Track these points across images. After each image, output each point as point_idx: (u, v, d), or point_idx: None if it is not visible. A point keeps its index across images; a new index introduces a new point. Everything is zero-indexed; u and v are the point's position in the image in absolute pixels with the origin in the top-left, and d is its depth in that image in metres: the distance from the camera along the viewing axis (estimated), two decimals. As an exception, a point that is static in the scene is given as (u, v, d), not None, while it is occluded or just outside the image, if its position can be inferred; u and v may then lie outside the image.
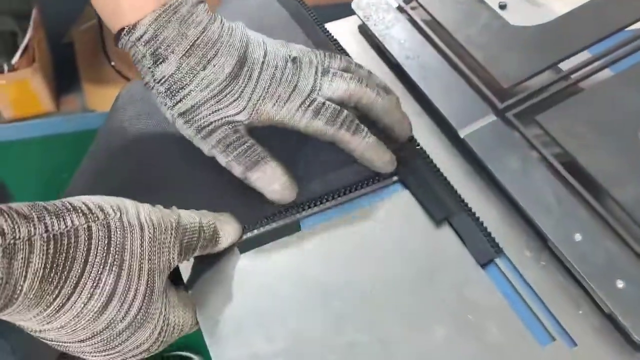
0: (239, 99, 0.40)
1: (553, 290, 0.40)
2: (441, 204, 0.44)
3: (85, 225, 0.32)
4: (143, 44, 0.39)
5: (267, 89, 0.41)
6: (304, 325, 0.39)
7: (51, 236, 0.31)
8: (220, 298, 0.40)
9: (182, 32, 0.39)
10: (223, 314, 0.39)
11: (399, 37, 0.53)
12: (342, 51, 0.53)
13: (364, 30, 0.57)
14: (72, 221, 0.32)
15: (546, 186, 0.42)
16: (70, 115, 1.41)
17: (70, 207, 0.33)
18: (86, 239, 0.32)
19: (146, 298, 0.34)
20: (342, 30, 0.58)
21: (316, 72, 0.42)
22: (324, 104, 0.41)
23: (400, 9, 0.57)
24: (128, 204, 0.36)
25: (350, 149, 0.43)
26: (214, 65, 0.40)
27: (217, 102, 0.40)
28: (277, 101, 0.41)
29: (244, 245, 0.42)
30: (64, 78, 1.45)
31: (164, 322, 0.36)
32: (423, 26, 0.54)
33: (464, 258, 0.41)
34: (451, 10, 0.54)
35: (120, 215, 0.34)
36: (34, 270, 0.30)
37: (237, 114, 0.40)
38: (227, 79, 0.40)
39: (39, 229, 0.30)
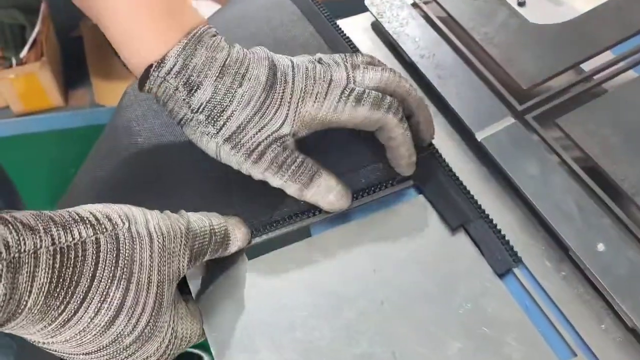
0: (281, 106, 0.39)
1: (574, 303, 0.38)
2: (457, 210, 0.42)
3: (93, 238, 0.31)
4: (174, 76, 0.38)
5: (305, 89, 0.39)
6: (314, 335, 0.37)
7: (58, 249, 0.29)
8: (227, 306, 0.39)
9: (210, 56, 0.39)
10: (230, 323, 0.38)
11: (414, 34, 0.52)
12: (354, 49, 0.52)
13: (377, 28, 0.55)
14: (79, 233, 0.31)
15: (567, 193, 0.41)
16: (78, 110, 1.40)
17: (77, 217, 0.31)
18: (94, 252, 0.31)
19: (154, 311, 0.33)
20: (355, 27, 0.56)
21: (346, 68, 0.41)
22: (364, 91, 0.40)
23: (414, 5, 0.55)
24: (136, 213, 0.34)
25: (391, 136, 0.41)
26: (250, 79, 0.39)
27: (262, 117, 0.39)
28: (316, 98, 0.39)
29: (252, 251, 0.41)
30: (73, 72, 1.44)
31: (172, 334, 0.35)
32: (438, 23, 0.53)
33: (480, 267, 0.40)
34: (468, 7, 0.52)
35: (129, 225, 0.33)
36: (39, 285, 0.28)
37: (282, 125, 0.39)
38: (265, 90, 0.39)
39: (45, 241, 0.29)
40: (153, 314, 0.33)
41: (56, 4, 1.39)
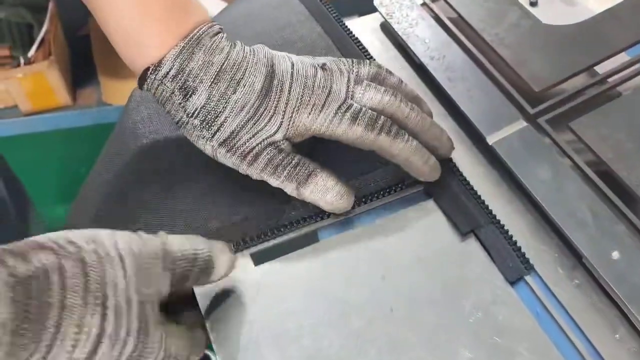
0: (275, 114, 0.39)
1: (587, 312, 0.37)
2: (467, 215, 0.41)
3: (56, 263, 0.29)
4: (170, 79, 0.38)
5: (301, 99, 0.39)
6: (322, 344, 0.36)
7: (18, 281, 0.27)
8: (233, 313, 0.38)
9: (207, 60, 0.38)
10: (236, 330, 0.37)
11: (423, 36, 0.51)
12: (363, 50, 0.51)
13: (387, 29, 0.55)
14: (39, 260, 0.28)
15: (581, 198, 0.40)
16: (86, 109, 1.40)
17: (35, 245, 0.29)
18: (59, 278, 0.28)
19: (141, 333, 0.31)
20: (364, 28, 0.55)
21: (348, 80, 0.40)
22: (360, 109, 0.39)
23: (424, 4, 0.54)
24: (103, 234, 0.32)
25: (393, 154, 0.40)
26: (244, 86, 0.38)
27: (255, 123, 0.38)
28: (312, 109, 0.39)
29: (258, 257, 0.40)
30: (81, 71, 1.44)
31: (165, 355, 0.33)
32: (449, 24, 0.52)
33: (491, 274, 0.39)
34: (478, 8, 0.51)
35: (95, 247, 0.31)
36: (1, 322, 0.26)
37: (276, 132, 0.39)
38: (260, 97, 0.39)
39: (1, 273, 0.26)
40: (140, 337, 0.31)
41: (64, 2, 1.39)
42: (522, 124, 0.44)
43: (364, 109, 0.39)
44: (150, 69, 0.38)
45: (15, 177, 0.91)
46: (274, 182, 0.40)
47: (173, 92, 0.38)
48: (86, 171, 0.51)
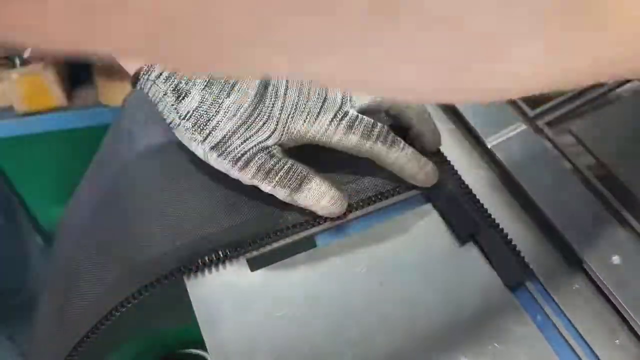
0: (269, 120, 0.38)
1: (588, 317, 0.37)
2: (466, 219, 0.41)
3: None
4: (163, 81, 0.38)
5: (296, 105, 0.39)
6: (319, 351, 0.36)
7: None
8: (229, 319, 0.38)
9: None
10: (232, 336, 0.37)
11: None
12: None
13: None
14: None
15: (581, 202, 0.39)
16: (82, 110, 1.40)
17: None
18: None
19: None
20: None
21: None
22: (357, 117, 0.39)
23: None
24: None
25: (388, 163, 0.40)
26: (238, 91, 0.38)
27: (247, 129, 0.38)
28: (307, 116, 0.39)
29: (255, 263, 0.40)
30: (77, 72, 1.43)
31: None
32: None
33: (490, 280, 0.38)
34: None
35: None
36: None
37: (269, 137, 0.38)
38: (253, 103, 0.38)
39: None
40: None
41: (60, 3, 1.38)
42: (521, 126, 0.44)
43: (360, 116, 0.39)
44: (144, 68, 0.38)
45: (6, 178, 0.91)
46: (265, 187, 0.39)
47: (166, 94, 0.38)
48: (81, 172, 0.51)
